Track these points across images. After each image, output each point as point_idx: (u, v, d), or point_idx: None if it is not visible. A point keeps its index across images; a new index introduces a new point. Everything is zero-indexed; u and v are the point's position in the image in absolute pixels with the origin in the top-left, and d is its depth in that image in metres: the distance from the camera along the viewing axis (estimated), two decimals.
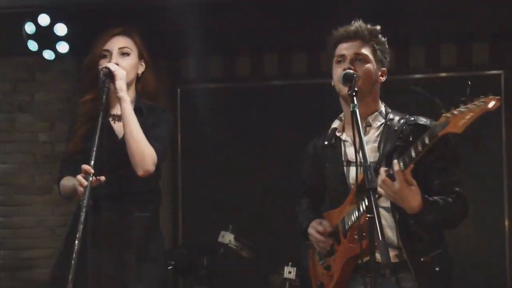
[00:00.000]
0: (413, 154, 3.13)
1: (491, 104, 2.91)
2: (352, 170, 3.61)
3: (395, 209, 3.37)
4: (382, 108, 3.58)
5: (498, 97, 2.93)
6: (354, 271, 3.62)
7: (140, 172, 3.74)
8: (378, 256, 2.99)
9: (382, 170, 3.28)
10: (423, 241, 3.43)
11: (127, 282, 3.91)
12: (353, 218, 3.53)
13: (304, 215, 3.96)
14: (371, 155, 3.39)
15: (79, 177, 3.46)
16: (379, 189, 3.25)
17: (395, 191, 3.17)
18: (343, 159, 3.64)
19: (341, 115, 3.73)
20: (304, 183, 4.09)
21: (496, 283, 6.35)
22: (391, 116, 3.57)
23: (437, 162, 3.35)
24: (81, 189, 3.46)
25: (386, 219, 3.40)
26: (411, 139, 3.40)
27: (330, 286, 3.70)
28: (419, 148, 3.11)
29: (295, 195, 4.14)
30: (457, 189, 3.40)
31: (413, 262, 3.41)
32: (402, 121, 3.53)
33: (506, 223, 6.24)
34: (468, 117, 3.00)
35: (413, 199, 3.20)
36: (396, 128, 3.50)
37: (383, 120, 3.53)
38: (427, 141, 3.08)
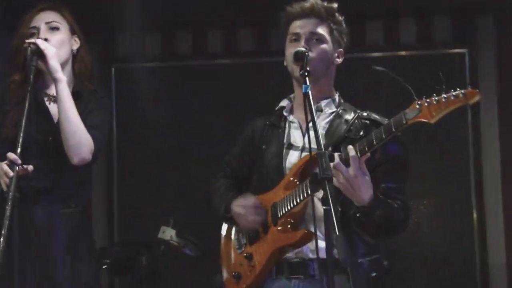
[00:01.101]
0: (374, 140, 3.03)
1: (474, 99, 2.83)
2: (292, 154, 3.53)
3: (340, 203, 3.27)
4: (336, 96, 3.54)
5: (477, 90, 2.84)
6: (277, 271, 3.49)
7: (75, 160, 3.59)
8: (331, 252, 2.74)
9: (336, 154, 3.12)
10: (363, 242, 3.38)
11: (54, 283, 3.68)
12: (289, 206, 3.39)
13: (224, 195, 3.80)
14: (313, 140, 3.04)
15: (4, 166, 3.29)
16: (336, 178, 3.13)
17: (348, 178, 3.06)
18: (284, 141, 3.57)
19: (292, 95, 3.65)
20: (229, 165, 3.97)
21: (466, 277, 6.27)
22: (343, 107, 3.53)
23: (386, 165, 3.29)
24: (6, 179, 3.28)
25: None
26: (361, 133, 3.37)
27: (250, 278, 3.57)
28: (383, 135, 3.02)
29: (214, 176, 4.00)
30: (402, 197, 3.34)
31: (351, 262, 3.21)
32: (354, 114, 3.47)
33: (475, 215, 6.14)
34: (444, 108, 2.90)
35: (365, 189, 3.11)
36: (347, 119, 3.46)
37: (335, 109, 3.49)
38: (393, 128, 2.98)
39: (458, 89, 2.84)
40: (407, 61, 6.18)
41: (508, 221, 6.26)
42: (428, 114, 2.93)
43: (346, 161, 3.08)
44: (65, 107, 3.61)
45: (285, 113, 3.61)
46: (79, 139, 3.61)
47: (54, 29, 3.78)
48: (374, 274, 3.39)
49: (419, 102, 2.93)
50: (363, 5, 5.87)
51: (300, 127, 3.56)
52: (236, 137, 4.15)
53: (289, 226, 3.44)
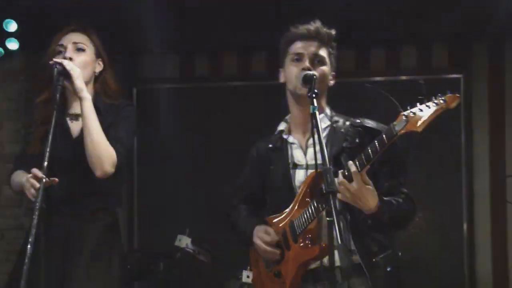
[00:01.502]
0: (370, 154, 3.14)
1: (454, 104, 2.94)
2: (298, 173, 3.61)
3: (346, 211, 3.39)
4: (327, 110, 3.62)
5: (457, 95, 2.96)
6: (303, 279, 3.60)
7: (98, 174, 3.67)
8: (336, 259, 3.00)
9: (340, 172, 3.26)
10: (375, 242, 3.49)
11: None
12: (305, 223, 3.50)
13: (246, 221, 3.90)
14: (318, 157, 3.26)
15: (30, 179, 3.40)
16: (340, 193, 3.25)
17: (353, 192, 3.19)
18: (289, 161, 3.65)
19: (287, 117, 3.75)
20: (243, 189, 4.03)
21: (455, 281, 6.56)
22: (336, 118, 3.60)
23: (385, 165, 3.38)
24: (32, 191, 3.38)
25: (343, 222, 3.41)
26: (357, 141, 3.46)
27: None
28: (378, 147, 3.12)
29: (231, 200, 4.08)
30: (405, 190, 3.46)
31: (367, 264, 3.44)
32: (347, 123, 3.57)
33: (465, 226, 6.46)
34: (428, 116, 3.02)
35: (371, 198, 3.22)
36: (342, 130, 3.55)
37: (328, 122, 3.57)
38: (385, 140, 3.10)
39: (439, 95, 3.00)
40: (407, 85, 6.34)
41: (495, 234, 6.58)
42: (413, 123, 3.07)
43: (348, 177, 3.18)
44: (88, 124, 3.71)
45: (284, 136, 3.71)
46: (101, 154, 3.72)
47: (80, 50, 3.87)
48: (389, 269, 3.74)
49: (405, 114, 3.04)
50: (368, 34, 6.19)
51: (301, 146, 3.68)
52: (244, 154, 4.23)
53: (307, 242, 3.56)
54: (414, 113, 3.01)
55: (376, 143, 3.13)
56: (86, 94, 3.69)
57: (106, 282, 3.85)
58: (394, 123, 3.08)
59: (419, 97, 2.99)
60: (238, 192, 4.00)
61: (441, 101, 2.97)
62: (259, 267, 3.86)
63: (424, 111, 3.02)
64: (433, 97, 3.01)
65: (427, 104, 3.01)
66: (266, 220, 3.75)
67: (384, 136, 3.11)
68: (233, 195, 4.05)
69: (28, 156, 3.89)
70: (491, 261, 6.59)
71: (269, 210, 3.78)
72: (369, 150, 3.15)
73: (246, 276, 5.47)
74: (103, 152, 3.67)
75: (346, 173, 3.18)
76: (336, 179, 3.17)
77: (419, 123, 3.02)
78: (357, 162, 3.18)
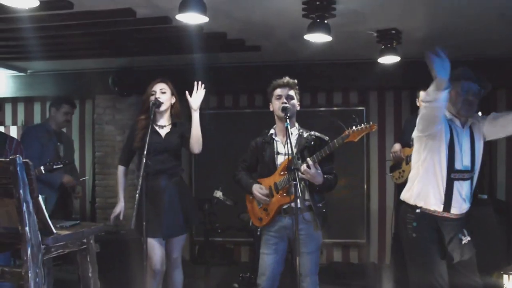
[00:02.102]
0: (323, 153, 4.27)
1: (373, 128, 4.18)
2: (279, 157, 4.62)
3: (306, 180, 4.38)
4: (297, 125, 4.61)
5: (375, 124, 4.23)
6: (279, 212, 4.61)
7: (196, 151, 4.89)
8: (298, 204, 4.16)
9: (304, 165, 4.29)
10: (318, 195, 4.56)
11: (176, 216, 5.01)
12: (283, 183, 4.51)
13: (246, 180, 4.81)
14: (290, 150, 4.32)
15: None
16: (304, 174, 4.29)
17: (312, 174, 4.28)
18: (274, 150, 4.62)
19: (274, 126, 4.70)
20: (246, 162, 4.92)
21: (357, 221, 8.62)
22: (301, 130, 4.59)
23: (325, 158, 4.40)
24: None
25: (303, 186, 4.37)
26: (312, 143, 4.49)
27: (267, 219, 4.69)
28: (327, 150, 4.24)
29: (236, 167, 4.99)
30: (334, 171, 4.57)
31: (314, 206, 4.52)
32: (307, 134, 4.56)
33: (365, 186, 8.61)
34: (360, 133, 4.18)
35: (320, 178, 4.35)
36: (304, 137, 4.54)
37: (297, 132, 4.54)
38: (336, 145, 4.26)
39: (365, 123, 4.16)
40: (338, 113, 8.15)
41: (381, 189, 8.70)
42: (353, 136, 4.17)
43: (309, 166, 4.23)
44: (196, 125, 4.83)
45: (273, 137, 4.62)
46: (199, 142, 4.85)
47: (164, 93, 5.03)
48: (324, 210, 4.59)
49: (348, 131, 4.14)
50: (314, 83, 8.03)
51: (282, 143, 4.57)
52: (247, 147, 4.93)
53: (284, 193, 4.52)
54: (353, 130, 4.12)
55: (328, 147, 4.27)
56: (194, 111, 4.78)
57: (188, 205, 5.10)
58: (342, 135, 4.18)
59: (354, 121, 4.20)
60: (242, 163, 4.96)
61: (368, 126, 4.16)
62: (253, 205, 4.80)
63: (359, 130, 4.17)
64: (362, 123, 4.25)
65: (360, 127, 4.16)
66: (258, 180, 4.78)
67: (335, 141, 4.20)
68: (238, 165, 5.01)
69: (130, 149, 5.15)
70: (378, 203, 8.68)
71: (259, 175, 4.81)
72: (323, 152, 4.25)
73: (217, 193, 7.17)
74: (200, 142, 4.88)
75: (307, 164, 4.23)
76: (302, 166, 4.29)
77: (356, 136, 4.18)
78: (314, 158, 4.23)
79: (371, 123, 4.17)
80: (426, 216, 4.30)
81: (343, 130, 4.20)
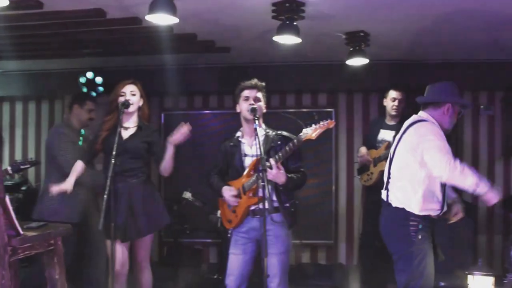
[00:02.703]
0: (284, 153, 4.30)
1: (331, 125, 4.17)
2: (247, 159, 4.61)
3: (272, 181, 4.38)
4: (263, 126, 4.59)
5: (333, 120, 4.24)
6: (247, 214, 4.58)
7: (165, 175, 5.04)
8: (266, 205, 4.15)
9: (267, 164, 4.26)
10: (286, 195, 4.54)
11: (137, 224, 4.95)
12: (250, 184, 4.51)
13: (218, 183, 4.80)
14: (258, 151, 4.34)
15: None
16: (268, 174, 4.24)
17: (274, 174, 4.27)
18: (242, 153, 4.63)
19: (240, 129, 4.70)
20: (217, 166, 4.90)
21: (326, 222, 8.68)
22: (267, 130, 4.59)
23: (291, 156, 4.41)
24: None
25: (269, 186, 4.33)
26: (279, 143, 4.48)
27: (236, 221, 4.67)
28: (291, 148, 4.25)
29: (209, 172, 4.97)
30: (302, 169, 4.53)
31: (281, 206, 4.52)
32: (274, 133, 4.56)
33: (333, 187, 8.66)
34: (318, 131, 4.14)
35: (283, 177, 4.33)
36: (271, 137, 4.54)
37: (264, 133, 4.54)
38: (296, 143, 4.22)
39: (324, 119, 4.15)
40: (306, 114, 7.79)
41: (349, 190, 8.71)
42: (311, 134, 4.13)
43: (271, 166, 4.24)
44: (169, 158, 4.89)
45: (240, 139, 4.62)
46: (170, 171, 4.97)
47: (134, 95, 4.97)
48: (292, 209, 4.58)
49: (306, 129, 4.13)
50: (283, 86, 8.19)
51: (248, 145, 4.59)
52: (213, 155, 5.04)
53: (251, 194, 4.50)
54: (311, 128, 4.10)
55: (288, 147, 4.27)
56: (170, 146, 4.79)
57: (156, 208, 5.06)
58: (300, 134, 4.16)
59: (315, 119, 4.16)
60: (214, 168, 4.92)
61: (325, 123, 4.12)
62: (224, 207, 4.80)
63: (316, 128, 4.12)
64: (321, 120, 4.20)
65: (318, 124, 4.12)
66: (229, 183, 4.73)
67: (295, 141, 4.19)
68: (211, 169, 4.98)
69: (91, 149, 5.15)
70: (346, 205, 8.72)
71: (230, 178, 4.78)
72: (284, 151, 4.29)
73: (186, 195, 7.20)
74: (170, 170, 4.99)
75: (269, 165, 4.26)
76: (267, 163, 4.24)
77: (314, 134, 4.12)
78: (276, 158, 4.25)
79: (328, 120, 4.19)
80: (427, 218, 4.42)
81: (302, 129, 4.25)
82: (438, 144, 4.36)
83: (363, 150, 6.92)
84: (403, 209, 4.50)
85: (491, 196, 4.14)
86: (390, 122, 6.94)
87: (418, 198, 4.45)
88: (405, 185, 4.51)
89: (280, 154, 4.29)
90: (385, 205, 4.67)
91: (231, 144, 4.69)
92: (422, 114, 4.68)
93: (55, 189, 4.97)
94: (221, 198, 4.74)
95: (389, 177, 4.66)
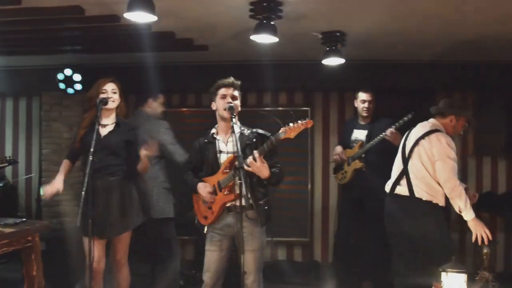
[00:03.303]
0: (266, 148, 4.30)
1: (309, 125, 4.16)
2: (222, 156, 4.63)
3: (248, 177, 4.30)
4: (239, 123, 4.58)
5: (312, 120, 4.24)
6: (223, 210, 4.61)
7: (144, 172, 5.15)
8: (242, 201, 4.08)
9: (250, 157, 4.27)
10: (261, 193, 4.56)
11: (113, 216, 5.01)
12: (226, 182, 4.51)
13: (192, 179, 4.83)
14: (233, 148, 4.36)
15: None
16: (250, 167, 4.28)
17: (257, 167, 4.28)
18: (217, 149, 4.65)
19: (216, 126, 4.74)
20: (191, 163, 4.95)
21: (301, 220, 8.67)
22: (243, 128, 4.61)
23: (269, 153, 4.42)
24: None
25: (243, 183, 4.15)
26: (254, 140, 4.51)
27: (212, 217, 4.69)
28: (269, 145, 4.29)
29: (183, 169, 5.04)
30: (278, 165, 4.56)
31: (255, 204, 4.54)
32: (249, 131, 4.59)
33: (309, 186, 8.65)
34: (296, 130, 4.15)
35: (266, 171, 4.34)
36: (246, 134, 4.57)
37: (239, 130, 4.54)
38: (274, 142, 4.28)
39: (302, 119, 4.12)
40: (283, 112, 8.14)
41: (325, 188, 8.69)
42: (289, 133, 4.15)
43: (255, 159, 4.25)
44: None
45: (215, 136, 4.65)
46: (145, 173, 5.11)
47: (115, 93, 5.13)
48: (266, 207, 4.61)
49: (284, 128, 4.15)
50: (260, 83, 7.85)
51: (223, 142, 4.60)
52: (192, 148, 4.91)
53: (227, 191, 4.52)
54: (289, 127, 4.12)
55: (269, 142, 4.30)
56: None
57: (134, 206, 5.11)
58: (279, 132, 4.19)
59: (292, 118, 4.16)
60: (188, 165, 5.00)
61: (303, 122, 4.13)
62: (199, 203, 4.82)
63: (294, 127, 4.14)
64: (299, 120, 4.20)
65: (296, 124, 4.13)
66: (203, 180, 4.76)
67: (273, 138, 4.26)
68: (185, 166, 5.07)
69: (74, 148, 5.23)
70: (321, 202, 8.72)
71: (204, 174, 4.81)
72: (265, 147, 4.27)
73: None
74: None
75: (253, 157, 4.25)
76: (248, 159, 4.24)
77: (292, 133, 4.16)
78: (259, 152, 4.27)
79: (307, 119, 4.21)
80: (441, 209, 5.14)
81: (280, 127, 4.26)
82: (453, 166, 5.10)
83: (339, 148, 7.03)
84: (417, 198, 5.24)
85: (472, 224, 5.00)
86: (362, 122, 7.10)
87: (435, 187, 5.20)
88: (419, 181, 5.24)
89: (265, 146, 4.32)
90: (400, 197, 5.32)
91: (206, 141, 4.71)
92: (434, 122, 5.47)
93: (49, 190, 4.94)
94: (195, 194, 4.76)
95: (404, 173, 5.35)
